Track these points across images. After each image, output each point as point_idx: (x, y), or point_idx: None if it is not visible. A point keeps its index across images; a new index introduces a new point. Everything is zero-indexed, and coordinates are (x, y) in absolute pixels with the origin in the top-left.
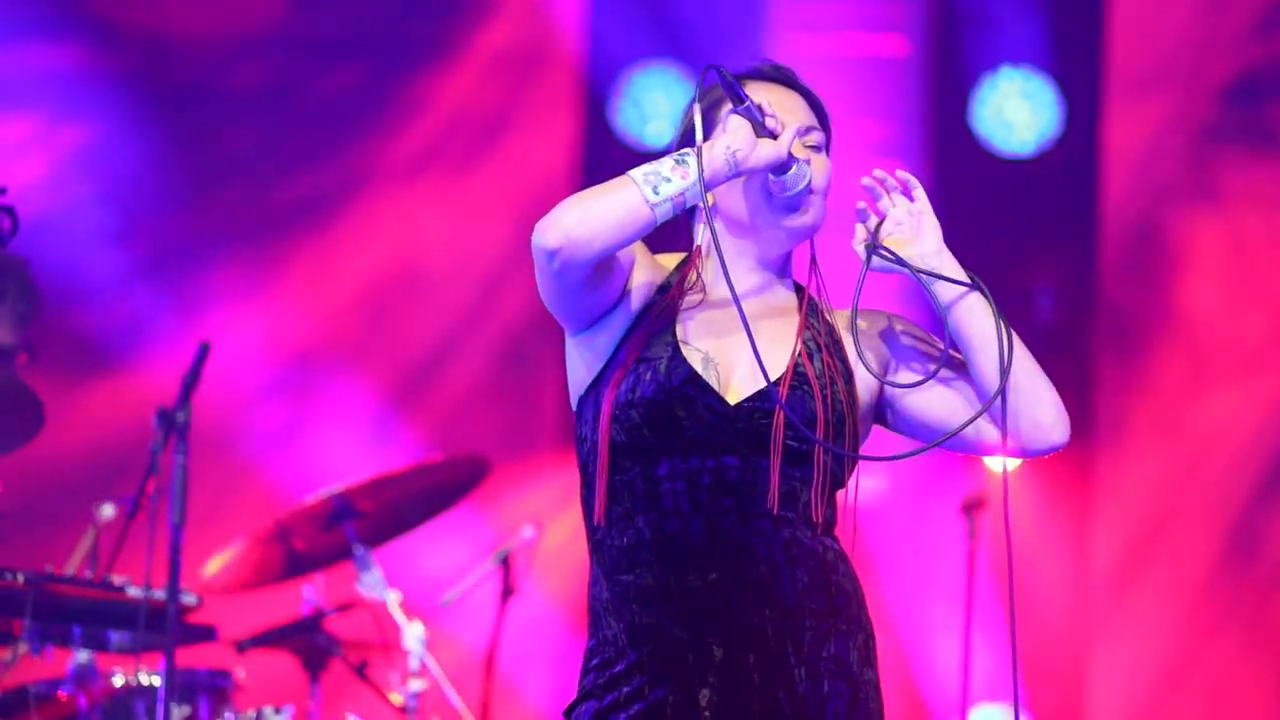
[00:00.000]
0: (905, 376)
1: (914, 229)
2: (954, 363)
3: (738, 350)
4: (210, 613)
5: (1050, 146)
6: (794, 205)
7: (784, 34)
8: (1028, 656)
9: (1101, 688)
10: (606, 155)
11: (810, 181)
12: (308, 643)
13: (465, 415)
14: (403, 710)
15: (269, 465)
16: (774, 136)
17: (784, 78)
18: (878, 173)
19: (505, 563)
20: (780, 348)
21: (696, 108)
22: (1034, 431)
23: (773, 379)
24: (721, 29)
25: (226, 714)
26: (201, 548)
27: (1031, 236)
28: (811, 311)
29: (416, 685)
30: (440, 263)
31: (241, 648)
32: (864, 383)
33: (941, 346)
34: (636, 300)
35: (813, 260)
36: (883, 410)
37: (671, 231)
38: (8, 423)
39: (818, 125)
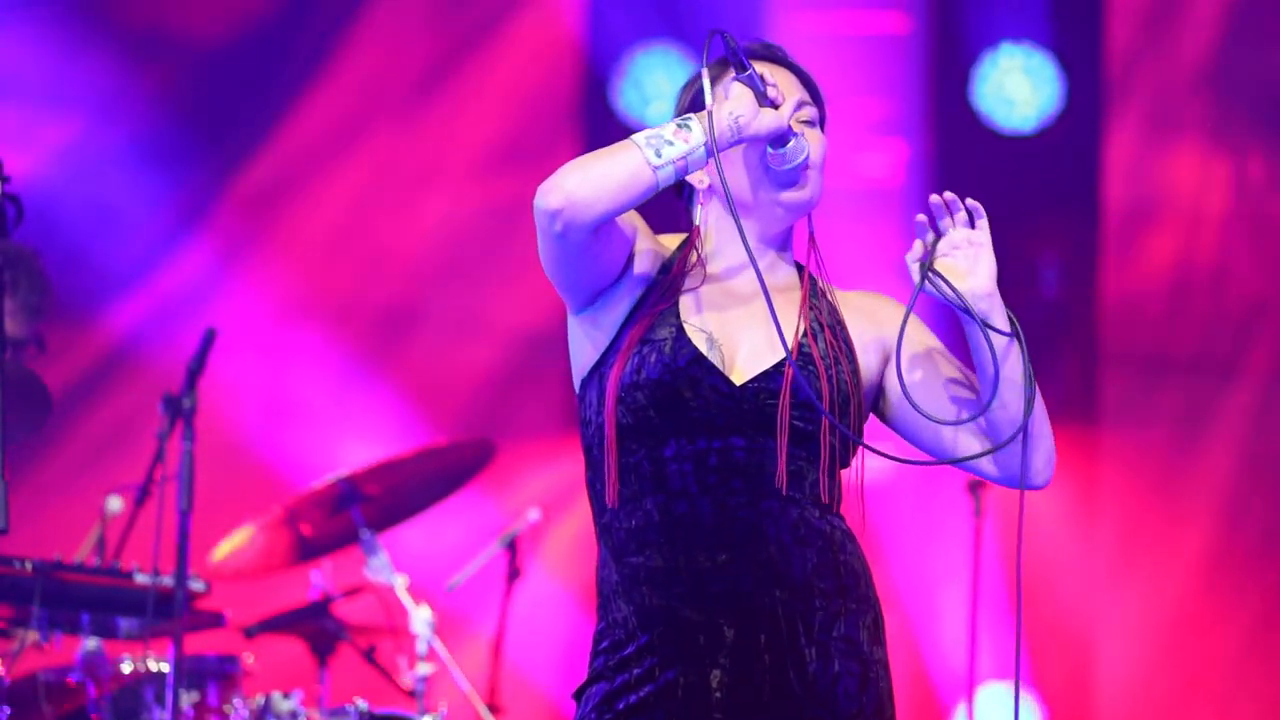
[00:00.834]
0: (912, 378)
1: (970, 261)
2: (969, 384)
3: (742, 330)
4: (218, 599)
5: (1051, 123)
6: (792, 179)
7: (784, 12)
8: (1034, 635)
9: (1108, 666)
10: (608, 136)
11: (808, 156)
12: (316, 628)
13: (471, 399)
14: (411, 694)
15: (275, 451)
16: (775, 107)
17: (774, 55)
18: (947, 195)
19: (512, 546)
20: (786, 329)
21: (705, 72)
22: (1026, 473)
23: (777, 360)
24: (723, 8)
25: (235, 700)
26: (209, 534)
27: (1034, 213)
28: (813, 291)
29: (424, 669)
30: (444, 246)
31: (250, 633)
32: (866, 364)
33: (964, 374)
34: (639, 280)
35: (811, 238)
36: (877, 398)
37: (673, 213)
38: (16, 412)
39: (811, 101)
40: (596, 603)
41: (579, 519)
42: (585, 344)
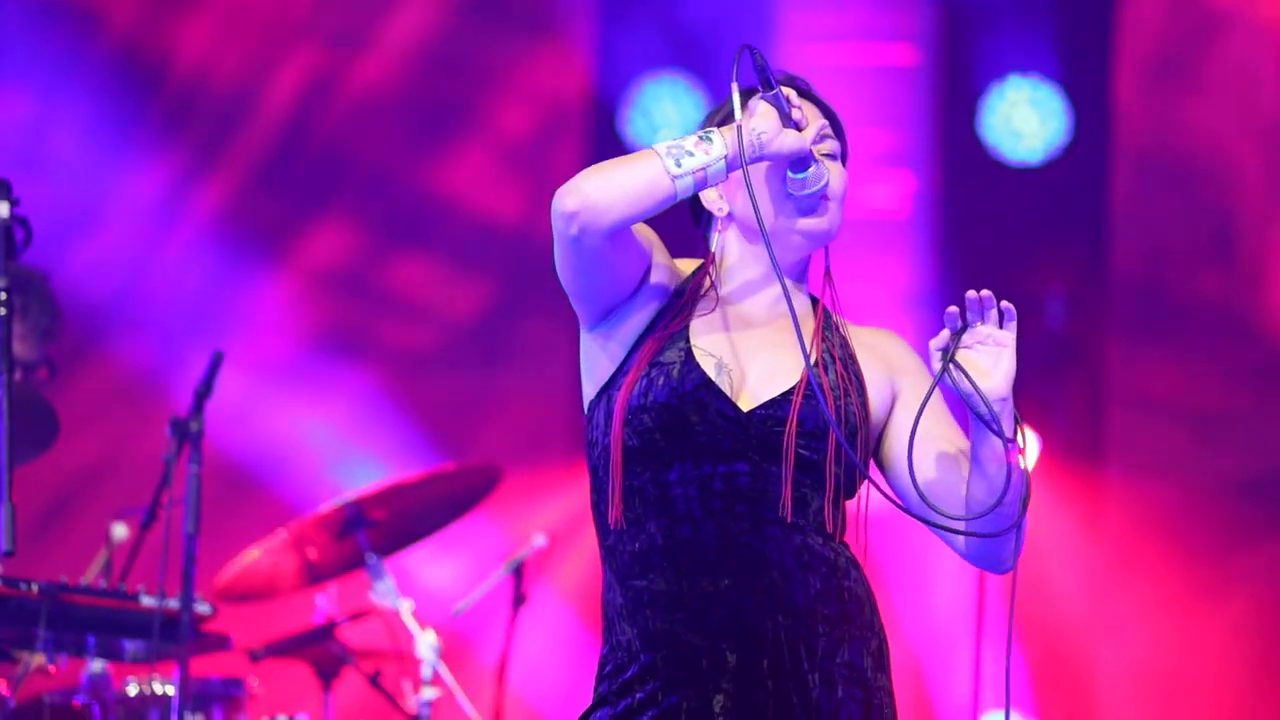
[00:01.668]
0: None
1: (991, 360)
2: (963, 463)
3: (751, 357)
4: (224, 622)
5: (1059, 154)
6: (811, 206)
7: (793, 43)
8: (1037, 666)
9: (1109, 700)
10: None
11: (827, 185)
12: (321, 652)
13: (477, 424)
14: (415, 719)
15: (281, 474)
16: (798, 129)
17: (798, 87)
18: (984, 293)
19: (517, 571)
20: (794, 357)
21: (735, 87)
22: (991, 561)
23: (785, 388)
24: (731, 38)
25: None
26: (215, 557)
27: (1041, 244)
28: (826, 323)
29: (429, 694)
30: (450, 271)
31: (255, 657)
32: (875, 398)
33: (962, 453)
34: (653, 301)
35: (827, 272)
36: (879, 437)
37: (691, 239)
38: (23, 433)
39: (833, 135)
40: (602, 626)
41: (585, 545)
42: (596, 362)
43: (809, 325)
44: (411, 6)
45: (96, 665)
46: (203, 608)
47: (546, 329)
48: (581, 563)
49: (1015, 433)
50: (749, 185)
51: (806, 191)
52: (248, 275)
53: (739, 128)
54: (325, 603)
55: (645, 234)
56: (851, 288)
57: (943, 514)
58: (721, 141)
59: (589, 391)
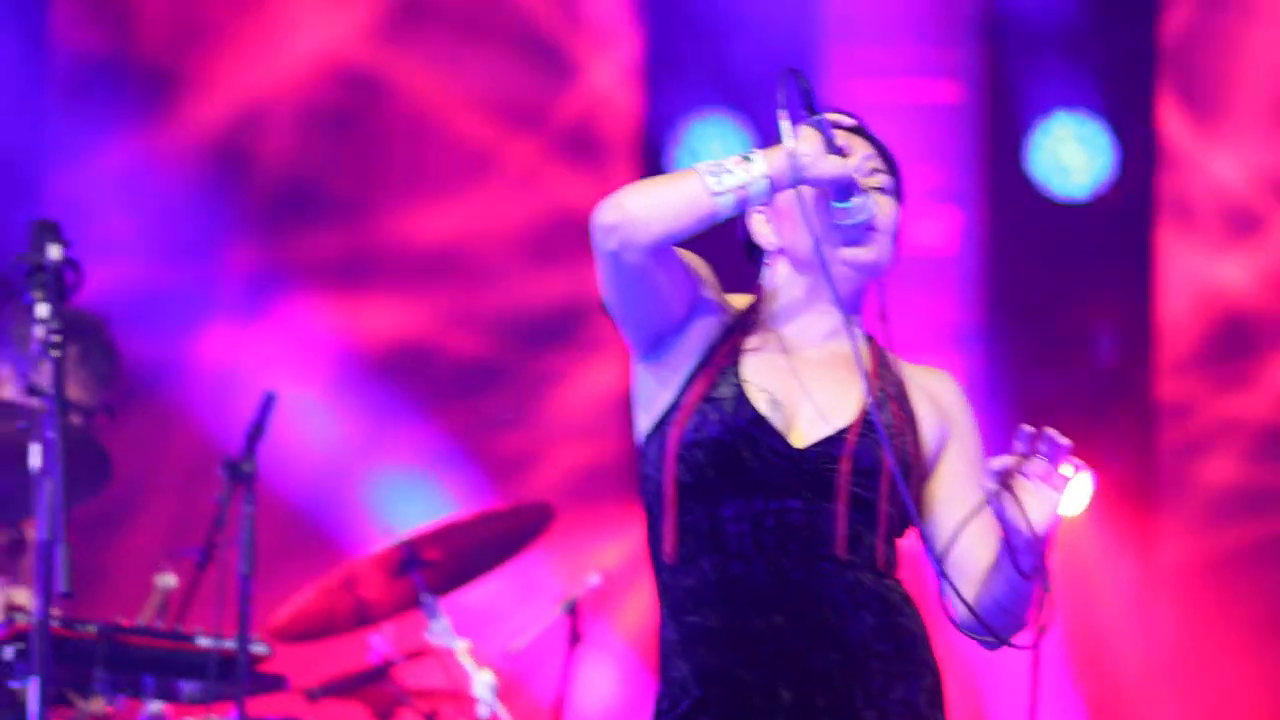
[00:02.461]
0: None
1: (1037, 503)
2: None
3: (805, 394)
4: (280, 662)
5: (1105, 190)
6: (856, 237)
7: (839, 81)
8: (1093, 699)
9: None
10: None
11: (873, 216)
12: (377, 692)
13: (529, 463)
14: None
15: (335, 515)
16: (842, 156)
17: (850, 123)
18: (1061, 439)
19: (573, 610)
20: (849, 393)
21: (782, 111)
22: (981, 640)
23: (840, 426)
24: (776, 74)
25: None
26: (270, 597)
27: (1088, 279)
28: (881, 360)
29: None
30: (502, 310)
31: (312, 697)
32: (927, 438)
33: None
34: (704, 334)
35: (882, 311)
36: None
37: (745, 274)
38: (77, 475)
39: (884, 169)
40: (658, 663)
41: (639, 583)
42: (649, 396)
43: (865, 362)
44: (462, 50)
45: (154, 706)
46: (259, 648)
47: (599, 366)
48: (636, 601)
49: (1038, 571)
50: (803, 205)
51: (851, 221)
52: (298, 313)
53: (784, 152)
54: (381, 643)
55: (696, 265)
56: (899, 324)
57: (961, 599)
58: (764, 161)
59: (642, 426)
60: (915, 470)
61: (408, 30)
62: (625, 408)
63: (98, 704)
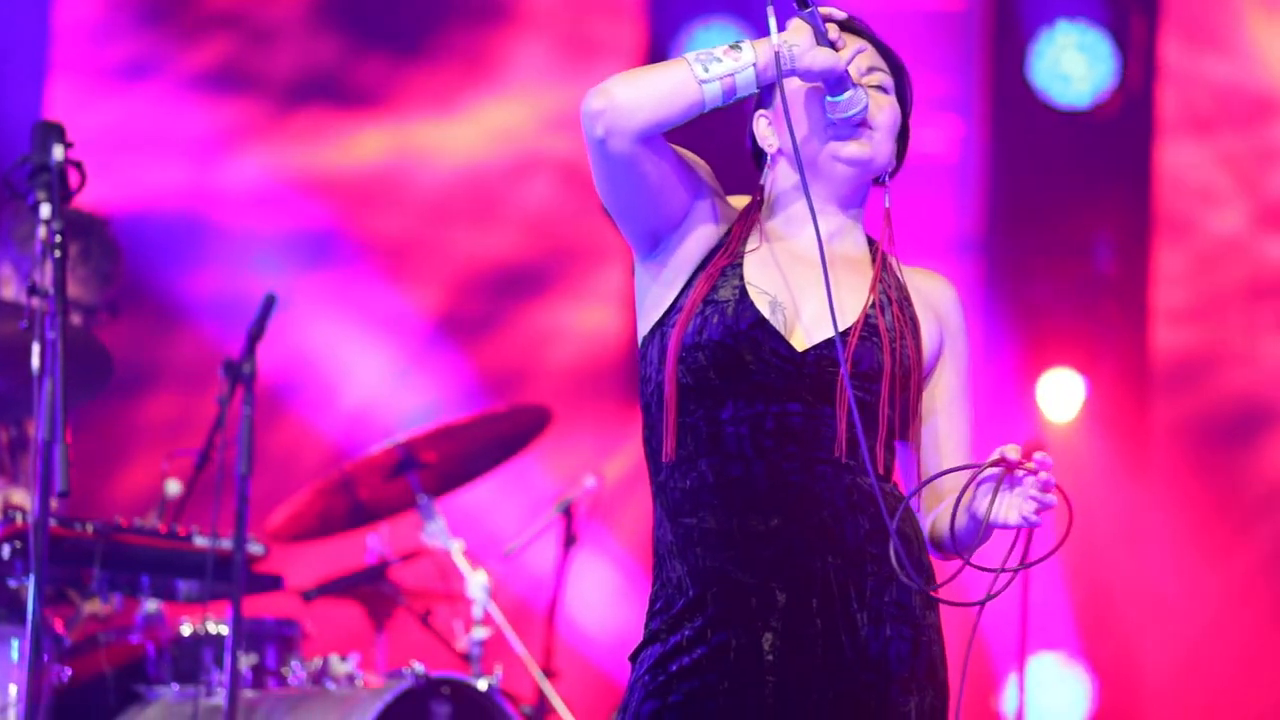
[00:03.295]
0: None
1: (1009, 504)
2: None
3: (805, 295)
4: (276, 562)
5: (1106, 99)
6: (849, 132)
7: None
8: (1084, 607)
9: (1157, 638)
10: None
11: (866, 111)
12: (373, 592)
13: (527, 365)
14: (466, 658)
15: (333, 416)
16: (834, 50)
17: (853, 26)
18: (1044, 482)
19: (567, 512)
20: (851, 297)
21: (770, 7)
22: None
23: (842, 328)
24: None
25: (293, 662)
26: (267, 498)
27: (1088, 188)
28: (883, 264)
29: (480, 633)
30: (501, 219)
31: (308, 597)
32: (927, 342)
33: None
34: (705, 234)
35: (887, 214)
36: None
37: (748, 177)
38: (78, 375)
39: (883, 68)
40: (653, 563)
41: (634, 486)
42: (650, 297)
43: (864, 264)
44: None
45: (151, 605)
46: (255, 548)
47: (599, 267)
48: (631, 503)
49: (967, 551)
50: (783, 99)
51: (844, 115)
52: (296, 212)
53: (773, 42)
54: (377, 543)
55: (695, 164)
56: (900, 231)
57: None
58: (752, 50)
59: (643, 327)
60: (915, 373)
61: None
62: (626, 310)
63: (95, 604)
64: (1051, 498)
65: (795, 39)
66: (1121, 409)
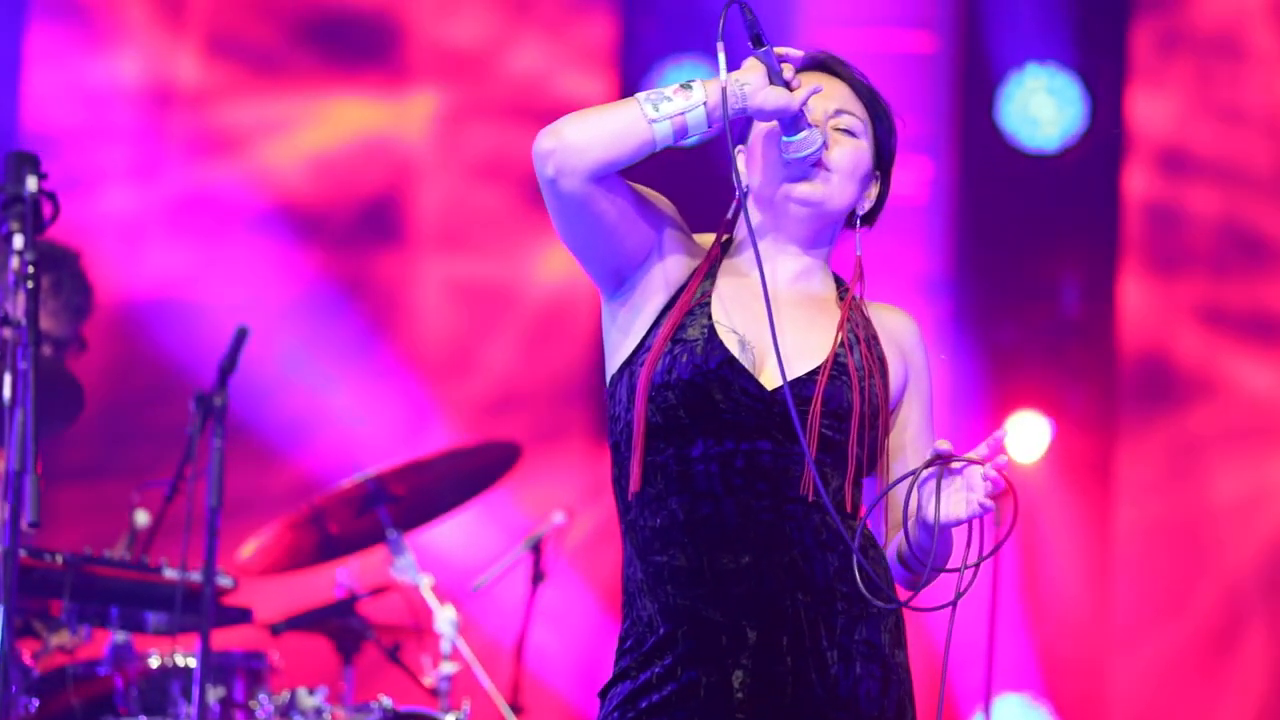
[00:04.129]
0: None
1: (956, 499)
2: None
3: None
4: (245, 595)
5: (1074, 142)
6: (803, 173)
7: (813, 28)
8: (1048, 647)
9: (1121, 679)
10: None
11: (821, 152)
12: (341, 626)
13: (497, 401)
14: (434, 693)
15: (303, 450)
16: (789, 89)
17: (827, 64)
18: (995, 469)
19: (536, 548)
20: (819, 336)
21: (720, 44)
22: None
23: (812, 367)
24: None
25: (261, 695)
26: (237, 531)
27: (1056, 231)
28: (850, 304)
29: (448, 668)
30: (473, 248)
31: (276, 630)
32: (894, 377)
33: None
34: (672, 273)
35: (858, 261)
36: None
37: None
38: (49, 406)
39: (854, 111)
40: (622, 601)
41: (604, 522)
42: (618, 336)
43: (831, 303)
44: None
45: (119, 637)
46: (225, 581)
47: (566, 304)
48: (600, 540)
49: (922, 556)
50: (729, 135)
51: (798, 155)
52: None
53: (724, 82)
54: (346, 577)
55: (657, 201)
56: (869, 272)
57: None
58: (702, 90)
59: (611, 366)
60: (883, 412)
61: None
62: (594, 348)
63: (63, 635)
64: (992, 475)
65: (747, 78)
66: (1087, 451)
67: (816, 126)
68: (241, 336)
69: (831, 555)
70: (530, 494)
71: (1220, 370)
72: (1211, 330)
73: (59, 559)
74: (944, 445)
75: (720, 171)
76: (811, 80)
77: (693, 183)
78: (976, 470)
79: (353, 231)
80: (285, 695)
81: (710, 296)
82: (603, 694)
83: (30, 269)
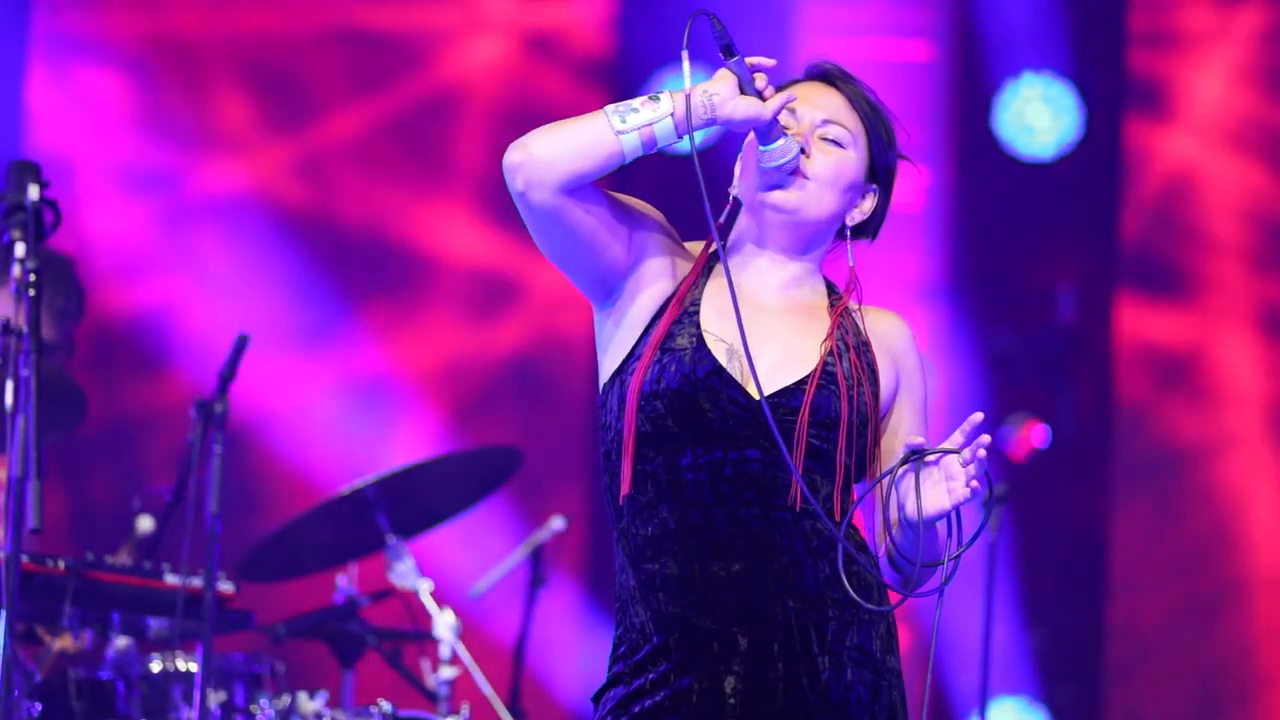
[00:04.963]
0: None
1: (936, 491)
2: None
3: (762, 343)
4: (247, 600)
5: (1070, 150)
6: (779, 181)
7: (811, 38)
8: (1044, 651)
9: (1118, 684)
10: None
11: (798, 160)
12: (342, 631)
13: (498, 406)
14: (434, 697)
15: (304, 456)
16: (761, 99)
17: (827, 75)
18: (981, 453)
19: (536, 554)
20: (808, 344)
21: (685, 53)
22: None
23: (800, 375)
24: (750, 32)
25: (261, 700)
26: (238, 537)
27: (1052, 239)
28: (842, 310)
29: (448, 673)
30: (471, 259)
31: (277, 635)
32: (885, 382)
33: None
34: (660, 282)
35: (851, 272)
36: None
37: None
38: (52, 412)
39: (844, 123)
40: (616, 608)
41: (603, 528)
42: (609, 344)
43: (821, 311)
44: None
45: (121, 642)
46: (226, 586)
47: (569, 310)
48: (599, 546)
49: (907, 549)
50: (694, 146)
51: (774, 163)
52: (274, 254)
53: (693, 92)
54: (346, 583)
55: (642, 210)
56: (864, 279)
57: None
58: (670, 101)
59: (603, 375)
60: (872, 420)
61: None
62: (591, 354)
63: (65, 640)
64: (969, 460)
65: (716, 88)
66: (1082, 457)
67: (793, 136)
68: (242, 344)
69: (822, 562)
70: (530, 499)
71: (1215, 377)
72: (1207, 337)
73: (61, 564)
74: (916, 440)
75: (721, 181)
76: (808, 90)
77: (692, 192)
78: (953, 458)
79: (351, 238)
80: (286, 700)
81: (700, 305)
82: (596, 698)
83: (32, 277)
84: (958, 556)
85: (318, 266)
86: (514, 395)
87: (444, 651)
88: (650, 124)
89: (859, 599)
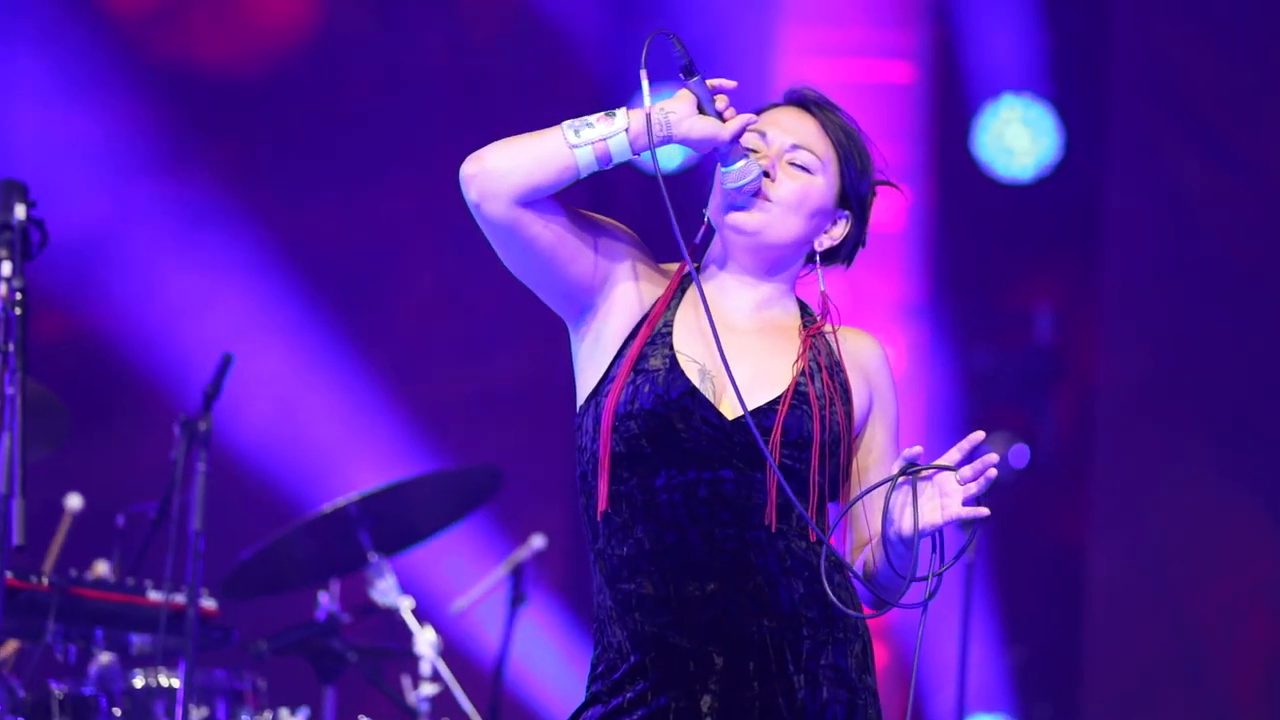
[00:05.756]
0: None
1: (931, 505)
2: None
3: (733, 363)
4: (229, 617)
5: (1049, 172)
6: (741, 203)
7: (791, 59)
8: (1021, 668)
9: (1094, 698)
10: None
11: (759, 183)
12: (323, 648)
13: (479, 425)
14: (414, 714)
15: (287, 473)
16: (721, 120)
17: (803, 100)
18: (987, 467)
19: (516, 571)
20: (781, 364)
21: (644, 72)
22: (887, 593)
23: (772, 396)
24: (731, 53)
25: (243, 716)
26: (220, 554)
27: (1031, 260)
28: (815, 330)
29: (428, 690)
30: (456, 279)
31: (259, 652)
32: (859, 402)
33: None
34: (633, 304)
35: (823, 295)
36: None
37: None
38: (35, 429)
39: (813, 148)
40: (593, 628)
41: (583, 547)
42: (583, 366)
43: (793, 331)
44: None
45: (104, 658)
46: (208, 603)
47: (546, 332)
48: (580, 565)
49: (902, 565)
50: (656, 164)
51: (734, 185)
52: (255, 276)
53: (648, 110)
54: (328, 600)
55: (615, 230)
56: (843, 298)
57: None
58: (625, 117)
59: (579, 397)
60: (845, 439)
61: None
62: (572, 372)
63: (8, 648)
64: (969, 477)
65: (673, 106)
66: (1061, 477)
67: (760, 159)
68: (226, 363)
69: (796, 581)
70: (511, 517)
71: (1195, 394)
72: (1186, 355)
73: (45, 580)
74: (913, 451)
75: (703, 202)
76: (782, 115)
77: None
78: (949, 475)
79: (337, 257)
80: (267, 716)
81: (673, 326)
82: (574, 718)
83: (19, 296)
84: (941, 574)
85: (301, 285)
86: (495, 414)
87: (425, 669)
88: (605, 139)
89: (842, 607)
